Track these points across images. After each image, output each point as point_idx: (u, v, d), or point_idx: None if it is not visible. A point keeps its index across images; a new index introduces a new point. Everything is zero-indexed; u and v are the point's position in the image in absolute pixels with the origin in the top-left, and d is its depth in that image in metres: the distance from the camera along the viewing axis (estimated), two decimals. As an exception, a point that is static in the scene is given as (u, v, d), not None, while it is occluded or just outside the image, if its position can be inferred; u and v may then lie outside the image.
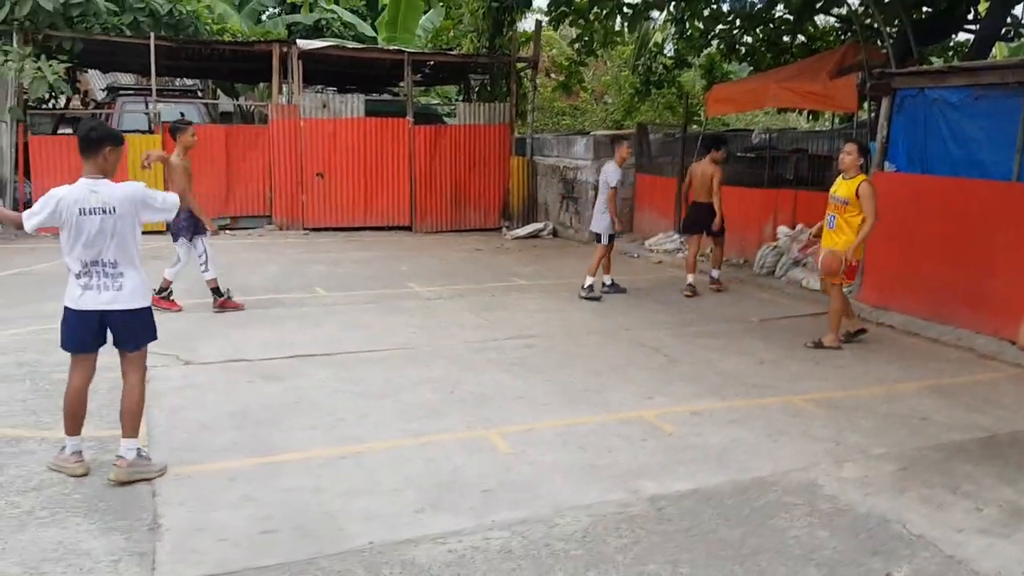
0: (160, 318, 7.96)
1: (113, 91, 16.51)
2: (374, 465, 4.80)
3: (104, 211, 4.45)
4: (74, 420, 4.61)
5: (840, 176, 7.52)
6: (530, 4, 16.43)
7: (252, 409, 5.66)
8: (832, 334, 7.63)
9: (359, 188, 14.99)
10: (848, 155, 7.41)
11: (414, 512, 4.23)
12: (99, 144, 4.50)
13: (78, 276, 4.51)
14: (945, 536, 4.08)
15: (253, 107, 19.89)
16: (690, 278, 10.02)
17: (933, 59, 15.37)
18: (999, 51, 19.07)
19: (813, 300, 9.67)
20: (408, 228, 15.37)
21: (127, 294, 4.58)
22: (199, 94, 18.48)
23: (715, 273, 10.42)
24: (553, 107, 23.17)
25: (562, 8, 15.64)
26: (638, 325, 8.38)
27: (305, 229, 14.75)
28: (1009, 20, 12.72)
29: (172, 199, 4.86)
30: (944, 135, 8.47)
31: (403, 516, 4.18)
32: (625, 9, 15.86)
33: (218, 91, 21.33)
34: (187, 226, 8.43)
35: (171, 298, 8.60)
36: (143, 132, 14.17)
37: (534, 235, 15.12)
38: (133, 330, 4.67)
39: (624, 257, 12.61)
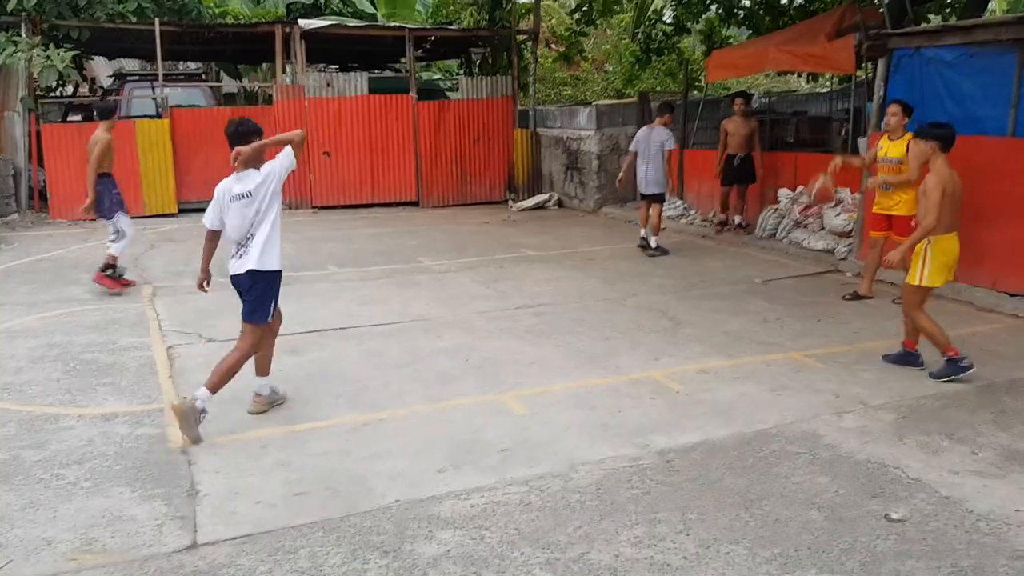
0: (179, 298, 8.28)
1: (120, 77, 16.66)
2: (396, 430, 5.04)
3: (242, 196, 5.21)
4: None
5: (886, 137, 7.76)
6: (529, -25, 16.48)
7: (276, 381, 5.88)
8: (869, 282, 8.17)
9: (365, 165, 15.16)
10: (893, 116, 7.65)
11: (437, 472, 4.47)
12: (248, 137, 5.19)
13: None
14: (941, 479, 4.31)
15: (257, 88, 20.02)
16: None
17: (930, 17, 15.40)
18: (998, 5, 19.02)
19: (815, 260, 9.87)
20: (415, 204, 15.56)
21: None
22: (204, 77, 18.59)
23: (649, 236, 10.73)
24: (554, 78, 23.20)
25: (560, -22, 15.72)
26: (645, 290, 8.59)
27: (314, 207, 14.96)
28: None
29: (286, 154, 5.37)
30: (940, 93, 8.59)
31: (426, 475, 4.43)
32: (624, -23, 15.94)
33: (221, 73, 21.45)
34: (118, 200, 8.70)
35: (122, 277, 8.76)
36: (151, 117, 14.33)
37: (540, 206, 15.29)
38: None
39: (629, 225, 12.79)
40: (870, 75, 10.93)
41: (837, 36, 11.27)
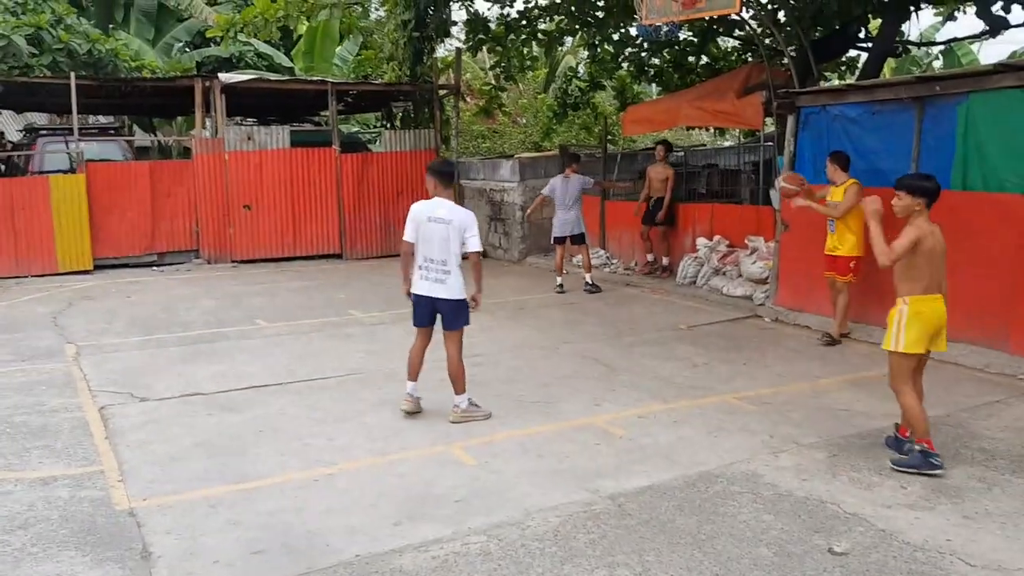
0: (106, 356, 8.07)
1: (32, 131, 16.21)
2: (348, 484, 5.04)
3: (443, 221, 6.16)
4: (413, 370, 6.33)
5: (832, 184, 8.40)
6: (449, 33, 16.86)
7: (218, 440, 5.83)
8: (838, 325, 8.44)
9: (287, 218, 15.07)
10: (830, 170, 8.37)
11: (394, 524, 4.50)
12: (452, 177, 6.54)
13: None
14: (876, 513, 4.56)
15: (173, 141, 19.73)
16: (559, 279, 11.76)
17: (828, 74, 16.39)
18: (886, 66, 20.35)
19: (734, 306, 10.28)
20: (339, 256, 15.51)
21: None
22: (119, 131, 18.23)
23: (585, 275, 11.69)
24: (472, 130, 23.62)
25: (479, 36, 16.14)
26: (577, 338, 8.79)
27: (234, 262, 14.74)
28: (897, 38, 13.73)
29: (476, 241, 6.36)
30: (847, 147, 9.15)
31: (384, 529, 4.45)
32: (540, 36, 16.47)
33: (134, 127, 21.07)
34: None
35: None
36: (65, 171, 13.98)
37: (465, 257, 15.41)
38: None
39: (554, 275, 13.04)
40: (777, 129, 11.54)
41: (745, 93, 11.93)
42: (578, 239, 11.55)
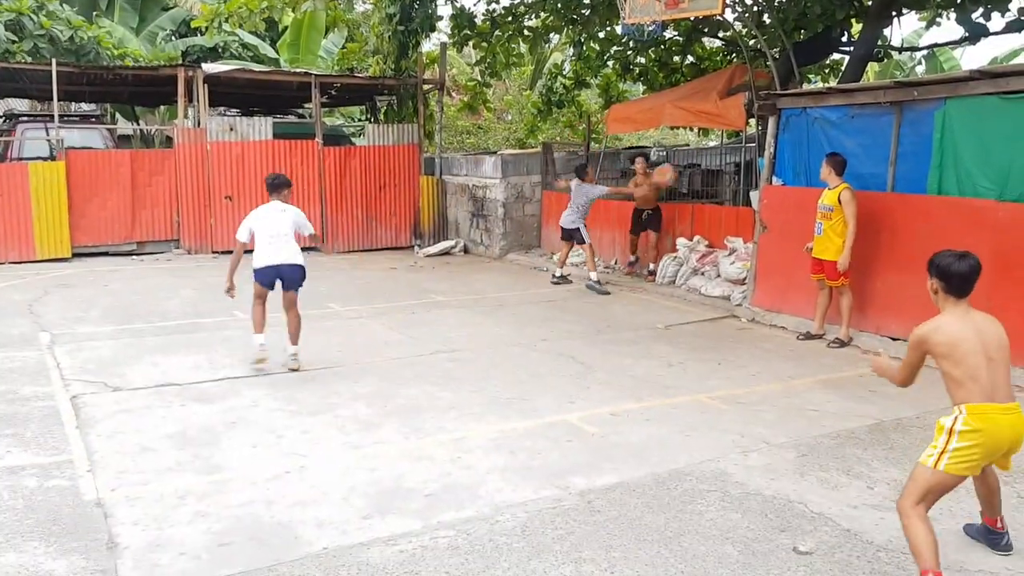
0: (80, 345, 8.02)
1: (12, 118, 16.06)
2: (319, 477, 5.04)
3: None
4: (258, 325, 7.35)
5: (826, 187, 8.34)
6: (434, 27, 16.82)
7: (190, 431, 5.81)
8: (846, 328, 8.39)
9: (269, 210, 14.98)
10: (824, 167, 8.30)
11: (363, 518, 4.50)
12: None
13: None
14: (842, 512, 4.61)
15: (155, 131, 19.59)
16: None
17: (811, 77, 16.49)
18: (870, 70, 20.48)
19: (712, 306, 10.34)
20: (318, 249, 15.45)
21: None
22: (100, 119, 18.09)
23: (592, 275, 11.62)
24: (456, 126, 23.59)
25: (465, 31, 16.12)
26: (554, 336, 8.81)
27: (214, 252, 14.67)
28: (879, 42, 13.80)
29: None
30: (825, 150, 9.21)
31: (353, 522, 4.45)
32: (526, 32, 16.47)
33: (116, 115, 20.90)
34: None
35: None
36: (44, 159, 13.86)
37: (446, 252, 15.45)
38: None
39: (534, 271, 13.08)
40: (760, 130, 11.61)
41: (728, 94, 11.99)
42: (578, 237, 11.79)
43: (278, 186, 7.75)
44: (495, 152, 16.69)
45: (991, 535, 4.20)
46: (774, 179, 9.97)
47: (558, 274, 12.00)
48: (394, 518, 4.50)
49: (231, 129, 14.75)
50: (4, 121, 16.40)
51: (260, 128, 14.95)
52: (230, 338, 8.53)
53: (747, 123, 12.25)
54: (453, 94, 23.01)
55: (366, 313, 9.84)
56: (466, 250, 15.67)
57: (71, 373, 7.16)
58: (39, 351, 7.89)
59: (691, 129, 20.87)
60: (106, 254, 14.02)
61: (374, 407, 6.33)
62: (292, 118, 18.94)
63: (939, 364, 3.87)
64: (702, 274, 11.19)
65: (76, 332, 8.68)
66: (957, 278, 3.93)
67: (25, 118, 15.73)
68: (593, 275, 11.45)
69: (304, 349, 7.48)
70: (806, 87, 13.49)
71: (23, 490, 4.77)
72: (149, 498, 4.71)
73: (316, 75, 15.62)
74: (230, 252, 14.48)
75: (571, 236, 11.80)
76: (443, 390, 6.80)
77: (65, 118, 14.98)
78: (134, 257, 14.10)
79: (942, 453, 3.73)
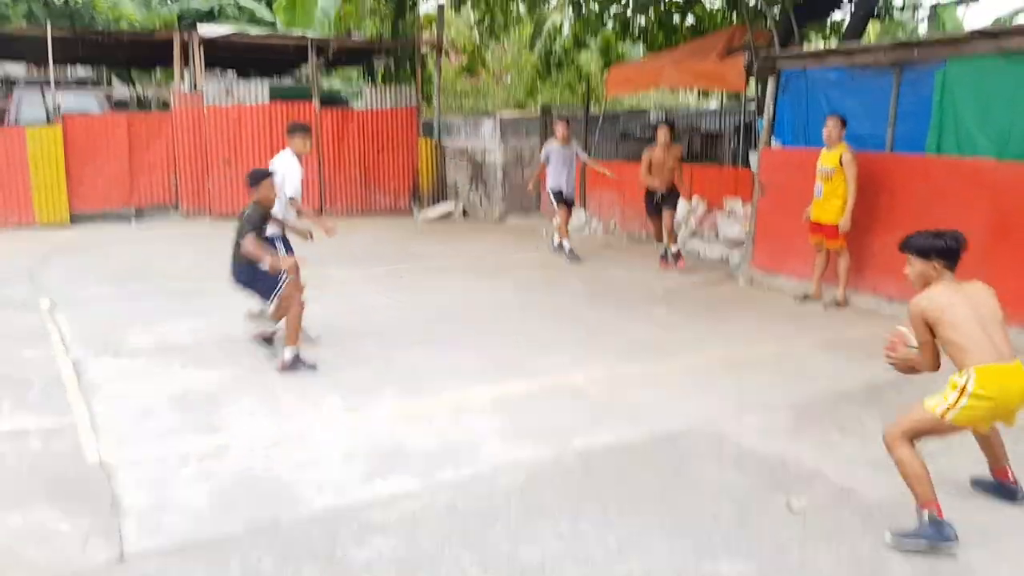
0: (81, 310, 8.05)
1: (9, 83, 15.95)
2: (319, 439, 5.09)
3: None
4: None
5: (824, 148, 8.26)
6: (431, -13, 16.65)
7: (191, 394, 5.85)
8: (843, 289, 8.40)
9: (267, 174, 14.94)
10: (832, 129, 8.17)
11: (363, 479, 4.56)
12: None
13: None
14: (836, 470, 4.65)
15: (152, 95, 19.47)
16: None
17: (812, 37, 16.32)
18: (872, 29, 20.26)
19: (710, 268, 10.35)
20: (318, 213, 15.42)
21: None
22: (97, 83, 17.97)
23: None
24: (455, 88, 23.41)
25: (462, -9, 15.97)
26: (554, 298, 8.84)
27: (213, 217, 14.65)
28: (880, 1, 13.68)
29: None
30: (825, 111, 9.14)
31: (353, 483, 4.51)
32: (524, -8, 16.32)
33: (112, 79, 20.75)
34: None
35: None
36: (42, 124, 13.80)
37: (445, 216, 15.42)
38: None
39: (533, 235, 13.07)
40: (759, 92, 11.52)
41: (728, 55, 11.88)
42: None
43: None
44: (494, 115, 16.59)
45: (1005, 488, 4.25)
46: (773, 140, 9.92)
47: (567, 247, 11.09)
48: (393, 478, 4.56)
49: (228, 92, 14.65)
50: (2, 86, 16.31)
51: (257, 91, 14.85)
52: (229, 303, 8.53)
53: (747, 84, 12.16)
54: (451, 56, 22.81)
55: (365, 277, 9.85)
56: (465, 213, 15.64)
57: (72, 337, 7.20)
58: (40, 316, 7.92)
59: (692, 91, 20.73)
60: (105, 219, 14.01)
61: (374, 370, 6.38)
62: (289, 81, 18.79)
63: (940, 333, 3.92)
64: (701, 236, 11.19)
65: (77, 297, 8.71)
66: (957, 252, 4.07)
67: (22, 83, 15.62)
68: (567, 242, 11.09)
69: (305, 312, 7.48)
70: (807, 47, 13.36)
71: (27, 453, 4.83)
72: (151, 460, 4.76)
73: (312, 38, 15.47)
74: (229, 217, 14.55)
75: (567, 200, 11.26)
76: (442, 353, 6.84)
77: (61, 83, 14.85)
78: (132, 222, 14.09)
79: (951, 407, 3.82)
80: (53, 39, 13.27)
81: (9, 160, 13.11)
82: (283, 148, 7.59)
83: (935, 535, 3.76)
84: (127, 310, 8.25)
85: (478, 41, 18.28)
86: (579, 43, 18.14)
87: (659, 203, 10.37)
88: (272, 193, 6.71)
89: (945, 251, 4.04)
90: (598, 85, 17.12)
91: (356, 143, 15.58)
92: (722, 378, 6.24)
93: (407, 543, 3.87)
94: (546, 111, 15.03)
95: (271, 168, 7.04)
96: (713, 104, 21.17)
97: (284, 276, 6.41)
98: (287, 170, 7.17)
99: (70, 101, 14.56)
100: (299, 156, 7.30)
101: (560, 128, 11.20)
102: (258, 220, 6.50)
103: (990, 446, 4.25)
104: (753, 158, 10.52)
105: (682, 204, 11.65)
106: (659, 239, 10.63)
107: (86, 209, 13.88)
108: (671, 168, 10.23)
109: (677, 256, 10.35)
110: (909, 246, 4.19)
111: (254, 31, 16.54)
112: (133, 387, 6.00)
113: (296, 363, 6.35)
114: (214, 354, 6.78)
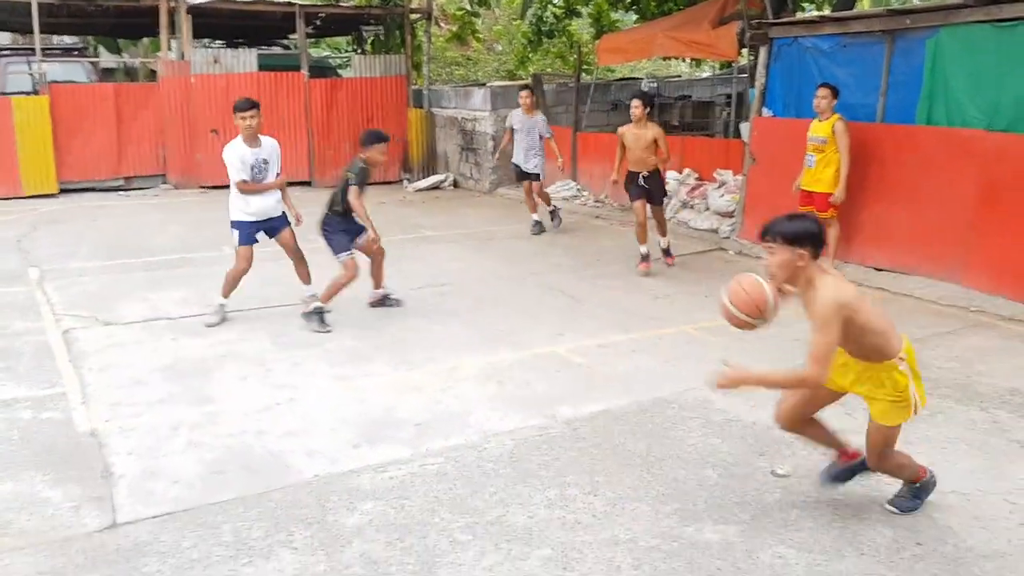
0: (70, 280, 8.04)
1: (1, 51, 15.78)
2: (309, 408, 5.13)
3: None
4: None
5: (816, 119, 8.24)
6: (421, -46, 16.46)
7: (181, 363, 5.88)
8: (832, 259, 8.26)
9: (256, 144, 14.85)
10: (823, 99, 8.11)
11: (353, 447, 4.60)
12: None
13: None
14: (820, 437, 4.71)
15: (139, 64, 19.25)
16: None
17: (805, 5, 16.23)
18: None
19: (700, 239, 10.37)
20: (307, 183, 15.35)
21: None
22: (83, 52, 17.75)
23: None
24: (445, 57, 23.22)
25: (452, -42, 15.78)
26: (543, 270, 8.85)
27: (202, 187, 14.57)
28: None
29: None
30: (816, 80, 9.13)
31: (343, 451, 4.55)
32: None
33: (99, 48, 20.50)
34: None
35: None
36: (28, 93, 13.66)
37: (435, 187, 15.38)
38: None
39: (524, 206, 13.02)
40: (751, 61, 11.50)
41: (720, 24, 11.82)
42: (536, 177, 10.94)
43: None
44: (484, 84, 16.49)
45: (862, 467, 3.97)
46: (764, 110, 9.91)
47: (533, 218, 10.88)
48: (384, 446, 4.60)
49: (215, 61, 14.52)
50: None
51: (245, 60, 14.72)
52: (218, 272, 8.52)
53: (739, 53, 12.11)
54: (442, 24, 22.60)
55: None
56: (455, 184, 15.59)
57: (62, 308, 7.19)
58: (29, 287, 7.91)
59: (684, 60, 20.61)
60: (93, 190, 13.92)
61: (364, 340, 6.40)
62: (278, 50, 18.61)
63: (858, 325, 3.54)
64: (691, 207, 11.20)
65: (66, 267, 8.69)
66: (823, 240, 3.70)
67: (7, 52, 15.44)
68: (535, 215, 10.92)
69: (296, 282, 7.50)
70: (800, 16, 13.29)
71: (18, 422, 4.85)
72: (142, 429, 4.79)
73: (301, 5, 15.30)
74: (218, 187, 14.50)
75: (531, 177, 10.85)
76: (433, 323, 6.86)
77: (47, 51, 14.67)
78: (121, 193, 14.01)
79: (916, 399, 3.66)
80: (39, 6, 13.11)
81: (-3, 130, 13.01)
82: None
83: (926, 491, 3.93)
84: (116, 280, 8.24)
85: (468, 8, 18.06)
86: (571, 11, 17.97)
87: (640, 188, 8.69)
88: (382, 157, 6.96)
89: (816, 238, 3.61)
90: (590, 53, 16.99)
91: (345, 112, 15.47)
92: (710, 347, 6.28)
93: (396, 509, 3.91)
94: (537, 80, 14.93)
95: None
96: (706, 73, 21.09)
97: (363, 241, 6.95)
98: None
99: (57, 71, 14.40)
100: (374, 166, 7.00)
101: (524, 97, 10.85)
102: (364, 178, 6.74)
103: (824, 430, 4.04)
104: (744, 128, 10.51)
105: (672, 174, 11.62)
106: (642, 239, 8.68)
107: (74, 179, 13.79)
108: (648, 147, 8.54)
109: (667, 252, 8.98)
110: (776, 232, 3.61)
111: (242, -1, 16.32)
112: (123, 357, 6.01)
113: (317, 318, 6.65)
114: (202, 325, 6.78)
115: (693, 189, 11.29)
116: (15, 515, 3.84)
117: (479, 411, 5.07)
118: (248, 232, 6.88)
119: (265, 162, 6.93)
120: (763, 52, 9.93)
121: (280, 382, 5.56)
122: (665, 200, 9.47)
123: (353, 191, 6.66)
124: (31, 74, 13.96)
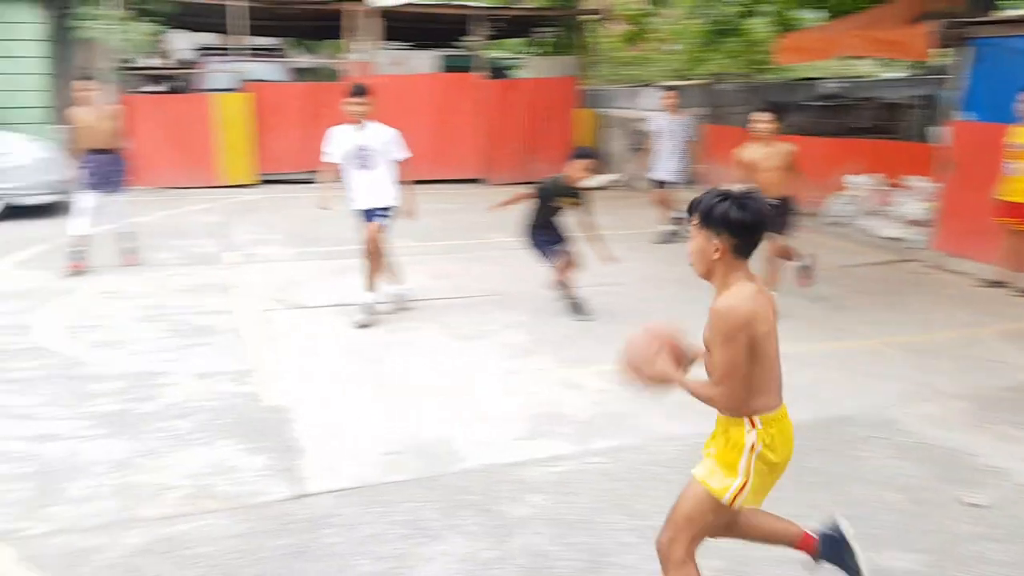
0: (263, 265, 8.59)
1: (203, 51, 17.15)
2: (480, 398, 5.25)
3: None
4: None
5: (1018, 124, 7.76)
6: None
7: (365, 349, 6.16)
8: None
9: (431, 142, 15.33)
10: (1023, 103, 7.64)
11: (520, 439, 4.67)
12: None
13: None
14: (1016, 467, 4.37)
15: (327, 64, 20.33)
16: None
17: (1006, 3, 15.00)
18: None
19: (886, 248, 9.83)
20: (480, 180, 15.72)
21: None
22: (278, 53, 18.96)
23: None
24: (617, 57, 23.10)
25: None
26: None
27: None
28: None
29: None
30: (1021, 84, 8.45)
31: (510, 443, 4.63)
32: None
33: (292, 49, 21.82)
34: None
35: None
36: (228, 90, 14.75)
37: (604, 187, 15.34)
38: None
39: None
40: (954, 61, 10.75)
41: (916, 21, 11.11)
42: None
43: None
44: (655, 84, 16.30)
45: (835, 541, 3.18)
46: (964, 114, 9.24)
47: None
48: (549, 441, 4.64)
49: (398, 63, 15.11)
50: (200, 55, 17.51)
51: (427, 61, 15.25)
52: (400, 264, 8.88)
53: (932, 54, 11.35)
54: (615, 24, 22.52)
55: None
56: (624, 184, 15.50)
57: (255, 291, 7.70)
58: (226, 270, 8.52)
59: (872, 60, 19.56)
60: (286, 182, 14.82)
61: (530, 335, 6.48)
62: (455, 51, 19.13)
63: (738, 360, 2.69)
64: (877, 214, 10.62)
65: (260, 253, 9.31)
66: (755, 232, 2.66)
67: (213, 52, 16.72)
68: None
69: (466, 276, 7.73)
70: (1004, 14, 12.31)
71: (217, 394, 5.23)
72: (327, 408, 5.06)
73: (479, 8, 15.67)
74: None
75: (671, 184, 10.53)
76: (599, 323, 6.85)
77: (247, 52, 15.77)
78: (311, 185, 14.83)
79: (744, 482, 2.78)
80: (245, 9, 14.10)
81: (203, 124, 14.11)
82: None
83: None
84: (306, 267, 8.74)
85: (645, 8, 17.87)
86: (750, 10, 17.44)
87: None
88: (582, 174, 7.05)
89: (742, 227, 2.61)
90: (763, 52, 16.42)
91: (518, 112, 15.69)
92: (897, 363, 5.95)
93: (562, 504, 3.94)
94: (719, 80, 14.58)
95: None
96: (893, 74, 19.92)
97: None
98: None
99: (257, 70, 15.45)
100: (571, 182, 7.06)
101: (668, 98, 10.57)
102: (551, 192, 7.10)
103: (769, 524, 3.17)
104: (939, 133, 9.86)
105: (857, 179, 11.06)
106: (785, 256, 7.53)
107: (272, 171, 14.75)
108: (777, 168, 7.25)
109: (807, 270, 7.81)
110: (696, 209, 2.72)
111: (422, 1, 16.90)
112: (310, 341, 6.36)
113: (580, 307, 7.02)
114: (383, 311, 7.07)
115: (880, 195, 10.70)
116: (212, 479, 4.15)
117: (644, 414, 5.00)
118: (359, 219, 7.04)
119: (365, 148, 6.77)
120: (963, 53, 9.27)
121: (454, 371, 5.73)
122: (789, 230, 7.48)
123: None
124: (236, 72, 14.97)
